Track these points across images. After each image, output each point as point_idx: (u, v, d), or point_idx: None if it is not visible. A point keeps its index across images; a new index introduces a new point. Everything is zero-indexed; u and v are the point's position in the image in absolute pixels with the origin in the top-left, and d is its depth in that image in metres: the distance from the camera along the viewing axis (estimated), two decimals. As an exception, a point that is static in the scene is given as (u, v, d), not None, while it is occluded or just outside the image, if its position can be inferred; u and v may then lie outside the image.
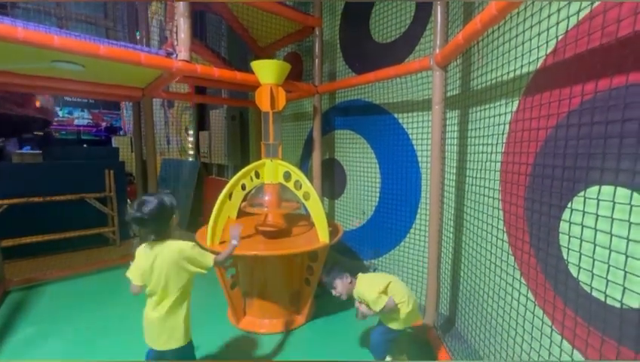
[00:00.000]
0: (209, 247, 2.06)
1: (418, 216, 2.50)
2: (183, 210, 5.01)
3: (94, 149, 7.21)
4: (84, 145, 9.64)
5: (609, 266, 0.97)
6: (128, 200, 4.58)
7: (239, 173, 2.23)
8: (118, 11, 3.92)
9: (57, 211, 3.70)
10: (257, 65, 2.28)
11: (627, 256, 0.91)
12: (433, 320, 2.11)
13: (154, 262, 1.41)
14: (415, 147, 2.49)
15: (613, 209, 0.95)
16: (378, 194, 2.82)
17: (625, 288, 0.93)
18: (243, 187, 2.26)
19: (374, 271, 2.89)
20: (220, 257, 1.56)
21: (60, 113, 13.15)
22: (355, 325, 2.35)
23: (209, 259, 1.50)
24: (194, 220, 4.88)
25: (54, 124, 12.08)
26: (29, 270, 3.17)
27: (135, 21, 3.36)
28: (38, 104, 5.32)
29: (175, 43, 2.06)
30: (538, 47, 1.28)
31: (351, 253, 3.09)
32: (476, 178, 1.82)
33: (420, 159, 2.47)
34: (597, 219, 1.01)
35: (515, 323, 1.43)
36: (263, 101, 2.29)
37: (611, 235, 0.95)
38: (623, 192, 0.94)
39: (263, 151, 2.37)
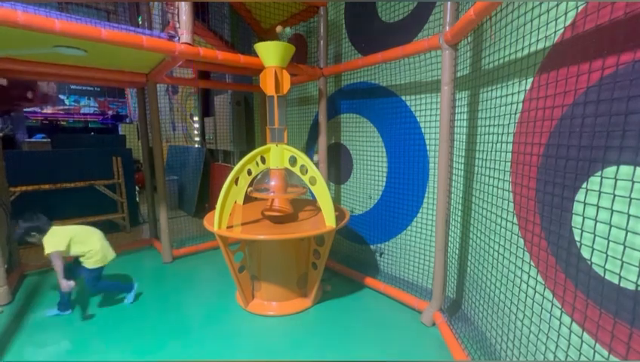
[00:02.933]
0: (216, 232, 2.08)
1: (425, 200, 2.48)
2: (190, 196, 5.06)
3: (102, 137, 7.26)
4: (92, 133, 9.71)
5: (625, 247, 0.95)
6: (137, 187, 4.63)
7: (245, 159, 2.22)
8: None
9: (68, 198, 3.76)
10: (261, 47, 2.22)
11: (644, 237, 0.89)
12: (440, 304, 2.12)
13: None
14: (423, 130, 2.44)
15: (631, 189, 0.91)
16: (385, 178, 2.79)
17: (640, 269, 0.91)
18: (249, 172, 2.26)
19: (381, 255, 2.90)
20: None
21: (67, 102, 13.21)
22: (361, 308, 2.38)
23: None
24: (201, 206, 4.93)
25: (60, 112, 12.17)
26: (44, 255, 3.25)
27: (136, 5, 3.29)
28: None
29: (177, 26, 2.02)
30: (556, 19, 1.21)
31: (358, 237, 3.09)
32: (486, 160, 1.78)
33: (427, 142, 2.42)
34: (613, 200, 0.98)
35: (523, 305, 1.42)
36: (267, 84, 2.25)
37: (629, 216, 0.92)
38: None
39: (269, 136, 2.34)
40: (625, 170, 0.96)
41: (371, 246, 3.00)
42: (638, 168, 0.92)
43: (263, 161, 2.32)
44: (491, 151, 1.72)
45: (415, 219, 2.57)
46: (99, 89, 13.64)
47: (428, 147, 2.42)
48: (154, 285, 2.81)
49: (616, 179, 0.97)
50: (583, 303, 1.11)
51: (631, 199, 0.92)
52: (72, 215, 3.75)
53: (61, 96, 12.33)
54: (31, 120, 10.11)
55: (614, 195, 0.97)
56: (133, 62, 2.55)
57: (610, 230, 0.99)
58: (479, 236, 1.88)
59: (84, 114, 14.19)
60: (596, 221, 1.05)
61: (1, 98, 5.18)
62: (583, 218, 1.10)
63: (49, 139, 4.92)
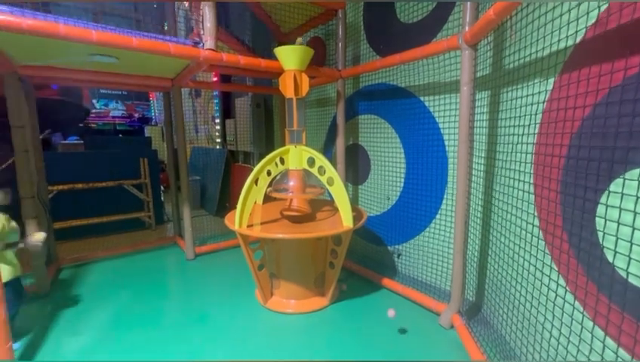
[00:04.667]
0: (237, 230, 2.15)
1: (444, 202, 2.45)
2: (212, 196, 5.22)
3: (129, 139, 7.60)
4: (120, 135, 10.16)
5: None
6: (162, 187, 4.83)
7: (264, 160, 2.29)
8: (147, 4, 4.04)
9: (99, 197, 4.00)
10: (280, 51, 2.29)
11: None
12: (458, 306, 2.10)
13: None
14: (442, 130, 2.42)
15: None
16: (403, 180, 2.78)
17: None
18: (268, 173, 2.32)
19: (399, 256, 2.90)
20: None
21: (97, 105, 13.90)
22: (376, 308, 2.39)
23: None
24: (222, 206, 5.08)
25: (92, 115, 12.82)
26: (78, 250, 3.47)
27: (162, 12, 3.45)
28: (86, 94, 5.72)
29: (201, 32, 2.11)
30: (578, 19, 1.19)
31: (375, 238, 3.10)
32: (506, 161, 1.75)
33: (446, 143, 2.40)
34: (637, 202, 0.95)
35: (544, 309, 1.40)
36: (286, 87, 2.31)
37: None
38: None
39: (287, 138, 2.40)
40: (650, 171, 0.93)
41: (389, 248, 3.00)
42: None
43: (282, 161, 2.38)
44: (512, 152, 1.69)
45: (434, 221, 2.55)
46: (126, 93, 14.24)
47: (447, 148, 2.40)
48: (177, 281, 2.94)
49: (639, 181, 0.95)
50: (605, 307, 1.08)
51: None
52: (102, 213, 3.99)
53: (92, 101, 12.98)
54: (65, 123, 10.67)
55: (638, 197, 0.95)
56: (160, 67, 2.68)
57: (632, 233, 0.97)
58: (499, 238, 1.86)
59: (113, 117, 14.88)
60: (619, 223, 1.02)
61: (56, 122, 5.66)
62: (606, 220, 1.08)
63: (82, 141, 5.22)
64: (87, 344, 1.98)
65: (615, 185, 1.06)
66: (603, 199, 1.11)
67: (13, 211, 2.49)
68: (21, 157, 2.40)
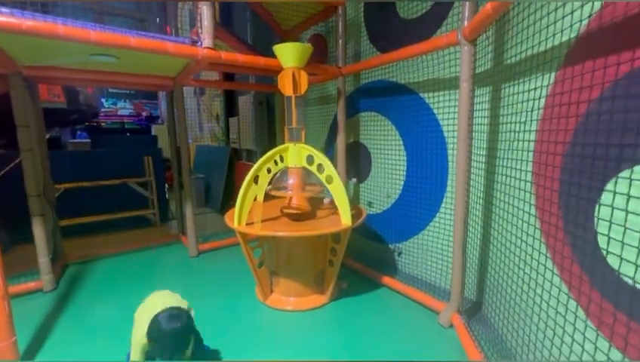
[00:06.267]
0: (236, 228, 2.16)
1: (445, 200, 2.43)
2: (216, 193, 5.27)
3: (135, 137, 7.70)
4: (127, 134, 10.30)
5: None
6: (167, 185, 4.89)
7: (264, 158, 2.29)
8: (150, 3, 4.07)
9: (105, 195, 4.06)
10: (279, 48, 2.28)
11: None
12: (458, 305, 2.08)
13: None
14: (442, 127, 2.39)
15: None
16: (403, 177, 2.76)
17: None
18: (268, 171, 2.33)
19: (399, 254, 2.88)
20: None
21: (106, 104, 14.08)
22: (377, 307, 2.38)
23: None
24: (226, 203, 5.11)
25: (101, 114, 13.00)
26: (84, 247, 3.53)
27: (164, 12, 3.47)
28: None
29: (199, 31, 2.12)
30: (581, 8, 1.15)
31: (376, 236, 3.09)
32: (507, 158, 1.72)
33: (447, 140, 2.37)
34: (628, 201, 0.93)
35: (545, 316, 1.37)
36: (285, 85, 2.31)
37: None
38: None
39: (287, 136, 2.40)
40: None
41: (390, 246, 2.98)
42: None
43: (282, 159, 2.39)
44: (513, 149, 1.66)
45: (434, 219, 2.53)
46: (134, 92, 14.39)
47: (447, 145, 2.37)
48: (180, 277, 2.98)
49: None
50: (611, 317, 1.05)
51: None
52: (108, 210, 4.05)
53: (101, 99, 13.16)
54: (75, 122, 10.86)
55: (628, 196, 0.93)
56: (161, 66, 2.70)
57: (624, 231, 0.94)
58: (499, 239, 1.83)
59: (121, 115, 15.07)
60: (611, 222, 1.00)
61: (63, 121, 5.78)
62: (602, 220, 1.05)
63: (89, 140, 5.32)
64: (93, 339, 2.02)
65: (612, 185, 1.03)
66: (603, 199, 1.08)
67: (21, 209, 2.56)
68: (27, 155, 2.45)
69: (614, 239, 1.02)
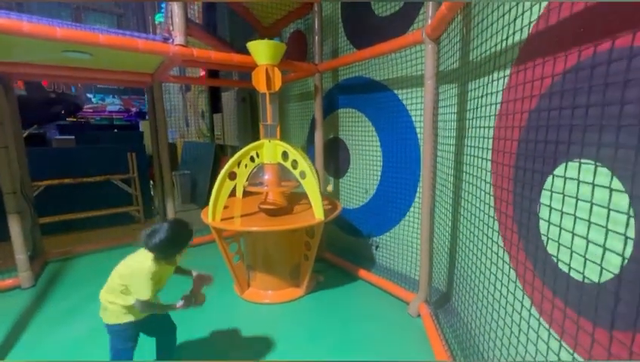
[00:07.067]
0: (211, 224, 2.20)
1: (418, 193, 2.49)
2: (202, 189, 5.27)
3: (121, 134, 7.63)
4: (115, 130, 10.20)
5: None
6: (151, 181, 4.88)
7: (238, 154, 2.33)
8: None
9: (89, 192, 4.04)
10: (253, 45, 2.30)
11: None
12: (426, 295, 2.15)
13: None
14: (415, 123, 2.44)
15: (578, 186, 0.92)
16: (380, 172, 2.81)
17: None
18: (245, 166, 2.36)
19: (377, 248, 2.94)
20: (146, 303, 1.50)
21: (94, 100, 13.86)
22: (351, 299, 2.44)
23: (139, 294, 1.47)
24: (211, 200, 5.13)
25: (89, 110, 12.80)
26: (65, 244, 3.52)
27: (142, 8, 3.45)
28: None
29: (171, 28, 2.12)
30: (531, 9, 1.19)
31: (355, 230, 3.14)
32: (471, 156, 1.77)
33: (419, 135, 2.42)
34: (561, 201, 0.98)
35: (498, 305, 1.42)
36: (259, 82, 2.33)
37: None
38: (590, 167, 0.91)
39: (262, 132, 2.43)
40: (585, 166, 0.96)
41: (368, 240, 3.05)
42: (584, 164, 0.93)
43: (259, 156, 2.42)
44: (476, 146, 1.71)
45: (409, 212, 2.59)
46: (122, 87, 14.15)
47: (420, 141, 2.42)
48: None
49: (564, 178, 0.97)
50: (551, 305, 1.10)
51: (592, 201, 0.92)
52: (91, 207, 4.04)
53: (89, 95, 12.95)
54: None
55: (563, 195, 0.98)
56: (136, 63, 2.70)
57: (560, 232, 1.00)
58: (461, 231, 1.89)
59: (110, 111, 14.83)
60: (548, 223, 1.05)
61: (44, 115, 5.65)
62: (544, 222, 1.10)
63: (73, 136, 5.27)
64: (71, 337, 2.03)
65: (548, 184, 1.09)
66: (543, 199, 1.13)
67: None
68: (1, 152, 2.44)
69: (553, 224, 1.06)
